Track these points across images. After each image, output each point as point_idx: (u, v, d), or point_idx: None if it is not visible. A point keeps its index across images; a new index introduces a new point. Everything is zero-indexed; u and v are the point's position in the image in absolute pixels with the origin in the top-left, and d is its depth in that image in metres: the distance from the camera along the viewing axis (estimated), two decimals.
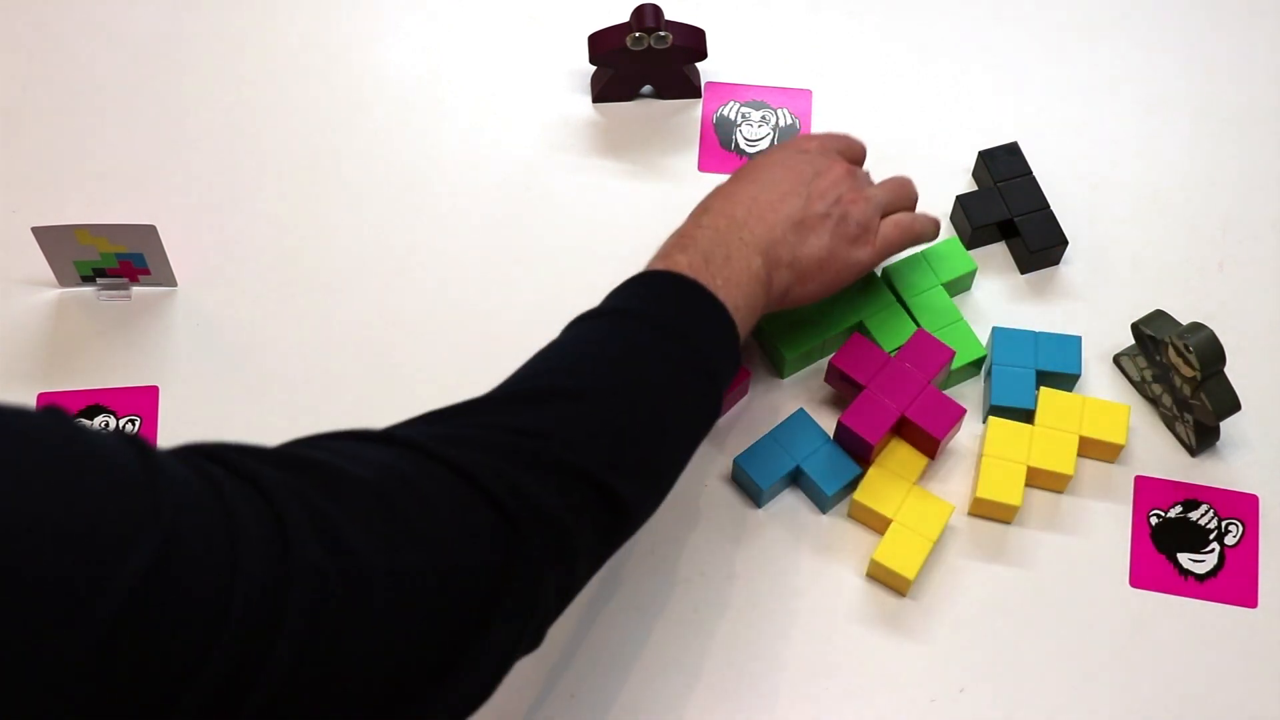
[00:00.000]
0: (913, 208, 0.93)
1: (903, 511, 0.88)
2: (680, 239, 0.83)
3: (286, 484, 0.58)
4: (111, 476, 0.52)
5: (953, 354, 0.92)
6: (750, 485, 0.90)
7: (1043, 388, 0.93)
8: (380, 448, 0.65)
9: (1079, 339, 0.94)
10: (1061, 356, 0.94)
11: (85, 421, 0.53)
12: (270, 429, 0.93)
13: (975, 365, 0.95)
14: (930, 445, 0.90)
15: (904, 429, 0.91)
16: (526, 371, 0.75)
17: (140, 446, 0.55)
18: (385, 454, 0.64)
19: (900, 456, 0.90)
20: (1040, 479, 0.91)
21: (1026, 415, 0.93)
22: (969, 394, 0.95)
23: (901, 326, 0.94)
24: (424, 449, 0.65)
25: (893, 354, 0.92)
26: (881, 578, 0.88)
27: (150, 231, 0.93)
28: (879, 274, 0.96)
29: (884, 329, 0.94)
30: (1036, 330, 0.94)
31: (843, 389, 0.93)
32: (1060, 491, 0.92)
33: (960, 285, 0.97)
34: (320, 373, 0.96)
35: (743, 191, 0.86)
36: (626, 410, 0.72)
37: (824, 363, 0.95)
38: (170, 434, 0.93)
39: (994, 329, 0.95)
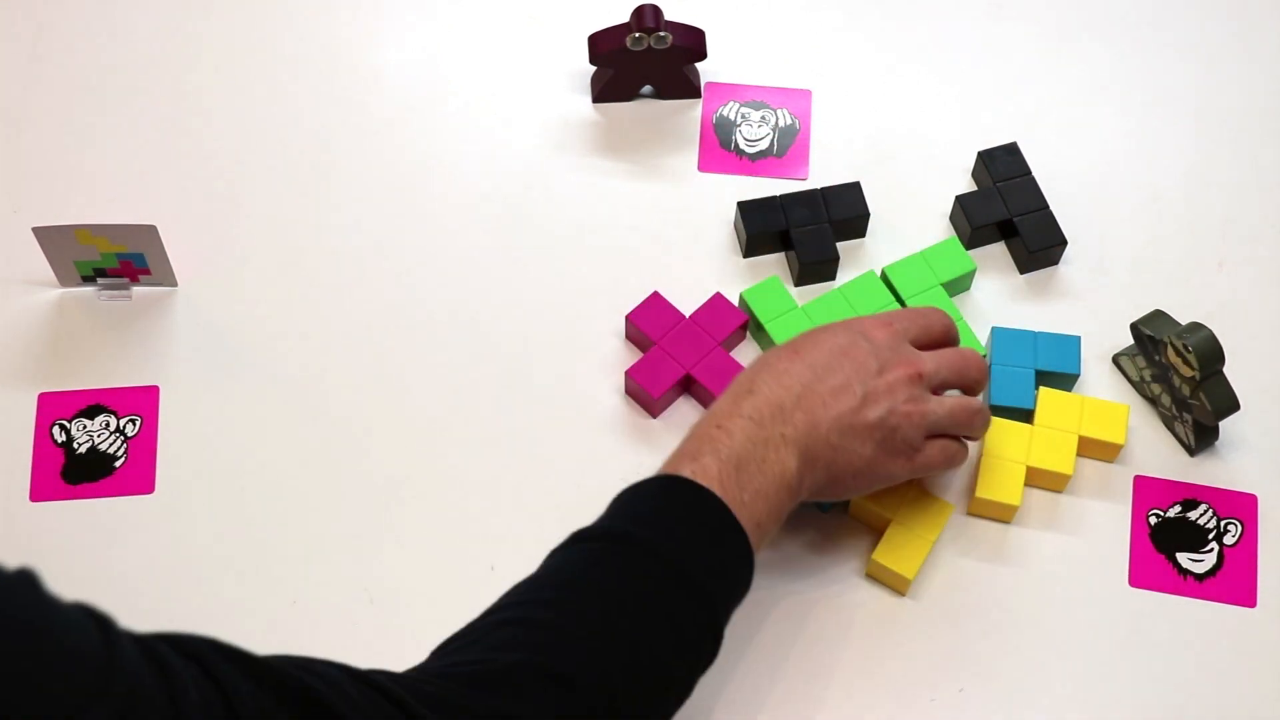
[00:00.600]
0: (974, 388, 0.87)
1: (902, 511, 0.88)
2: (715, 432, 0.77)
3: (259, 706, 0.57)
4: (66, 657, 0.51)
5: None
6: None
7: (1042, 388, 0.93)
8: (374, 695, 0.63)
9: (1078, 339, 0.94)
10: (1061, 356, 0.94)
11: (53, 594, 0.53)
12: (270, 429, 0.94)
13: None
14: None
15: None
16: (514, 622, 0.71)
17: (105, 629, 0.54)
18: (375, 704, 0.63)
19: None
20: (1039, 479, 0.91)
21: (1026, 415, 0.93)
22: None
23: None
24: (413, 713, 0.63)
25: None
26: (881, 577, 0.88)
27: (150, 231, 0.93)
28: (878, 274, 0.96)
29: None
30: (1035, 330, 0.94)
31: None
32: (1059, 491, 0.92)
33: (960, 285, 0.97)
34: (320, 373, 0.96)
35: (795, 372, 0.80)
36: (620, 692, 0.69)
37: None
38: (170, 434, 0.94)
39: (993, 329, 0.95)
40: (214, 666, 0.57)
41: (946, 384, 0.85)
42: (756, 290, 0.95)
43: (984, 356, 0.88)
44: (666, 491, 0.76)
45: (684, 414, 0.94)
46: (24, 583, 0.52)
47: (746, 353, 0.95)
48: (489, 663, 0.68)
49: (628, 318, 0.94)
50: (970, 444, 0.92)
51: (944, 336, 0.86)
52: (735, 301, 0.96)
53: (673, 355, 0.93)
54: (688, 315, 0.95)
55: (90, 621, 0.54)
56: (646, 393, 0.91)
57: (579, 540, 0.75)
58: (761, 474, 0.76)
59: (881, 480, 0.83)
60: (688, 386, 0.94)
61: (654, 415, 0.93)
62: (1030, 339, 0.94)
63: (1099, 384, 0.96)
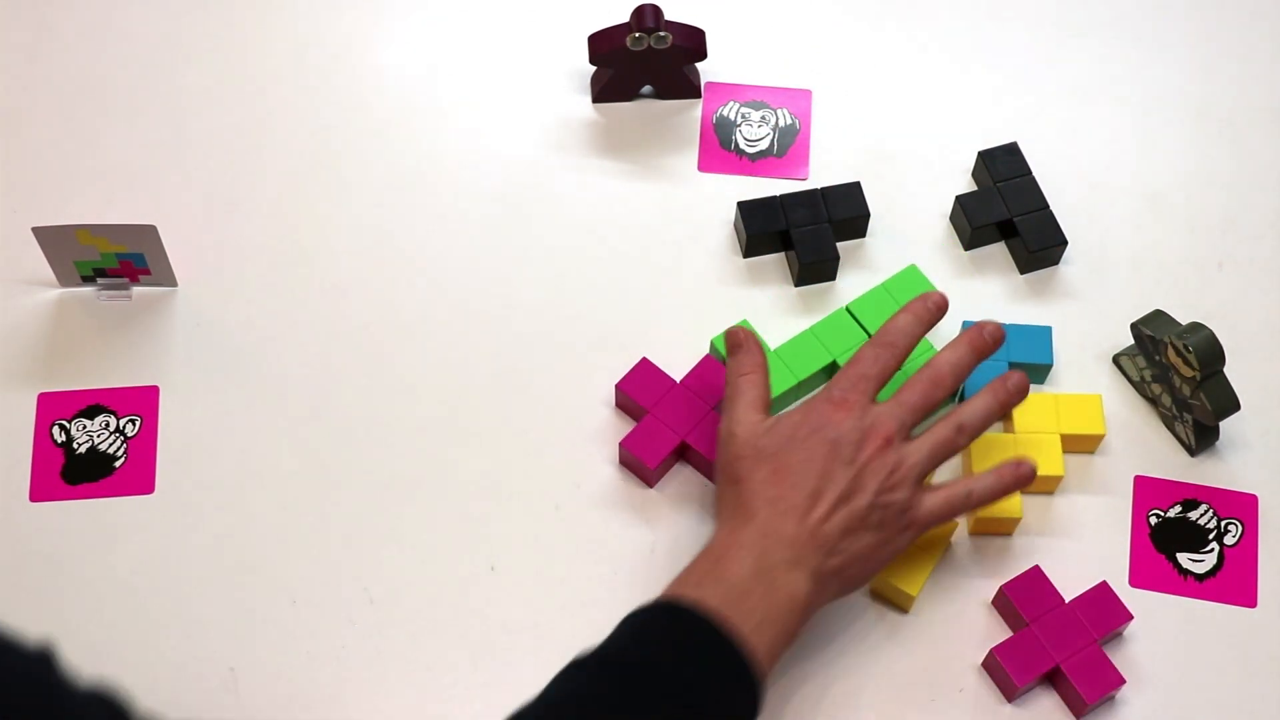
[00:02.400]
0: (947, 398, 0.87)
1: None
2: (715, 566, 0.78)
3: None
4: None
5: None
6: None
7: None
8: None
9: (1049, 329, 0.95)
10: (1033, 347, 0.94)
11: (71, 676, 0.52)
12: (270, 429, 0.94)
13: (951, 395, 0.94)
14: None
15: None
16: None
17: (113, 713, 0.52)
18: None
19: None
20: (1033, 485, 0.91)
21: None
22: None
23: None
24: None
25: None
26: (885, 594, 0.88)
27: (150, 231, 0.93)
28: (846, 311, 0.96)
29: None
30: (1009, 323, 0.94)
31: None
32: (1052, 493, 0.92)
33: None
34: (320, 372, 0.96)
35: (786, 493, 0.80)
36: None
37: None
38: (170, 434, 0.94)
39: (964, 323, 0.95)
40: None
41: (921, 416, 0.85)
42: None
43: (948, 371, 0.86)
44: (671, 621, 0.75)
45: (683, 479, 0.93)
46: (40, 666, 0.51)
47: None
48: None
49: (617, 386, 0.93)
50: (956, 461, 0.92)
51: (897, 364, 0.86)
52: (708, 347, 0.95)
53: (666, 423, 0.91)
54: (678, 379, 0.93)
55: (104, 712, 0.52)
56: (642, 463, 0.90)
57: (579, 668, 0.75)
58: (769, 600, 0.76)
59: (893, 557, 0.83)
60: (683, 454, 0.93)
61: (650, 485, 0.92)
62: None
63: (1100, 384, 0.96)
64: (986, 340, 0.87)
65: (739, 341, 0.88)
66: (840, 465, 0.81)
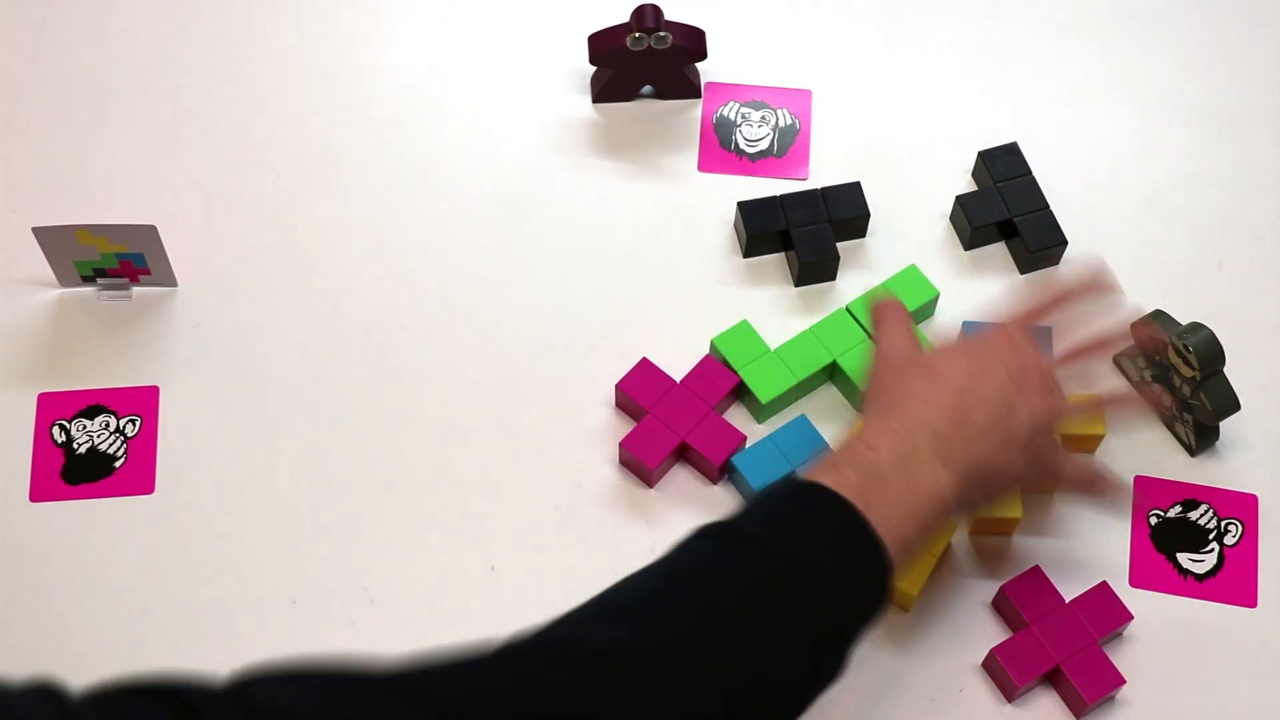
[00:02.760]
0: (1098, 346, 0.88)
1: None
2: (859, 446, 0.75)
3: None
4: None
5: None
6: (745, 487, 0.90)
7: None
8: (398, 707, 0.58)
9: (1049, 329, 0.94)
10: None
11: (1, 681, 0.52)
12: (270, 429, 0.94)
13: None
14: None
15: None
16: (617, 609, 0.67)
17: (58, 704, 0.51)
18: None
19: None
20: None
21: None
22: None
23: None
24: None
25: None
26: None
27: (150, 231, 0.93)
28: (846, 311, 0.96)
29: (858, 366, 0.93)
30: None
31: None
32: (1052, 493, 0.92)
33: (925, 312, 0.97)
34: (320, 372, 0.96)
35: (941, 394, 0.77)
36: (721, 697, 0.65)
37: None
38: (170, 434, 0.93)
39: (964, 323, 0.95)
40: (203, 711, 0.54)
41: (1075, 366, 0.86)
42: (727, 336, 0.95)
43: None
44: (801, 498, 0.72)
45: (683, 479, 0.93)
46: None
47: (736, 416, 0.94)
48: (581, 641, 0.64)
49: (617, 386, 0.93)
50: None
51: (1050, 303, 0.86)
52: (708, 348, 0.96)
53: (666, 423, 0.91)
54: (678, 379, 0.93)
55: (41, 702, 0.52)
56: (642, 463, 0.90)
57: (705, 536, 0.71)
58: (908, 488, 0.73)
59: (1035, 487, 0.85)
60: (683, 454, 0.93)
61: (650, 485, 0.92)
62: None
63: (1099, 384, 0.96)
64: (1098, 286, 0.87)
65: (882, 303, 0.86)
66: (1001, 386, 0.78)
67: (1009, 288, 0.99)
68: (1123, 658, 0.86)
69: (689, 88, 1.06)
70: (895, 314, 0.85)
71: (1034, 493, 0.85)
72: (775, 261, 1.00)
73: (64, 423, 0.94)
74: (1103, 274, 0.87)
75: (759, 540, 0.69)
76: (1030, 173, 1.00)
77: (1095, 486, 0.84)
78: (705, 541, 0.70)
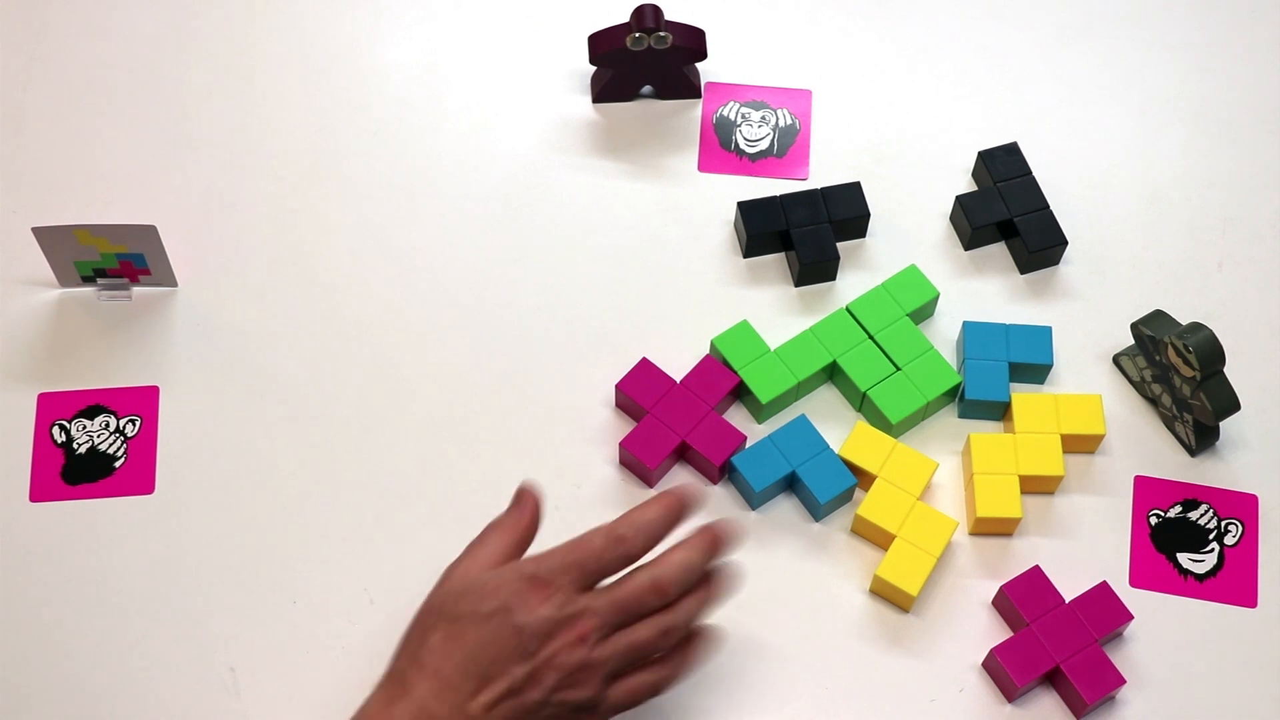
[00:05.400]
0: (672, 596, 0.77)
1: (906, 527, 0.88)
2: None
3: None
4: None
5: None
6: (744, 487, 0.90)
7: (1014, 393, 0.93)
8: None
9: (1049, 329, 0.95)
10: (1033, 347, 0.94)
11: None
12: (270, 429, 0.94)
13: (950, 394, 0.94)
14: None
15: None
16: None
17: None
18: None
19: (903, 473, 0.90)
20: (1033, 485, 0.91)
21: (1001, 409, 0.93)
22: (943, 421, 0.95)
23: (875, 362, 0.94)
24: None
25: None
26: (885, 594, 0.88)
27: (150, 231, 0.93)
28: (846, 311, 0.96)
29: (857, 366, 0.94)
30: (1008, 323, 0.95)
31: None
32: (1052, 493, 0.92)
33: (924, 313, 0.97)
34: (320, 373, 0.96)
35: (448, 669, 0.73)
36: None
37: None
38: (170, 434, 0.93)
39: (964, 323, 0.95)
40: None
41: (630, 620, 0.76)
42: (727, 336, 0.95)
43: (679, 566, 0.76)
44: None
45: (683, 479, 0.92)
46: None
47: (736, 416, 0.94)
48: None
49: (617, 386, 0.93)
50: (953, 460, 0.91)
51: (624, 564, 0.76)
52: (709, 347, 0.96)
53: (666, 423, 0.91)
54: (678, 379, 0.93)
55: None
56: (642, 463, 0.90)
57: None
58: None
59: None
60: (683, 454, 0.93)
61: (650, 485, 0.92)
62: (1002, 331, 0.94)
63: (1100, 384, 0.96)
64: (721, 543, 0.77)
65: (519, 495, 0.81)
66: (519, 656, 0.73)
67: (1008, 288, 0.99)
68: (1123, 658, 0.86)
69: (689, 88, 1.06)
70: (508, 521, 0.79)
71: None
72: (775, 261, 1.00)
73: (64, 423, 0.94)
74: (685, 496, 0.78)
75: None
76: (1030, 173, 1.01)
77: (654, 691, 0.77)
78: None
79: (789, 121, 1.06)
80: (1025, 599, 0.86)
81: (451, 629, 0.75)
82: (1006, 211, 0.99)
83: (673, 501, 0.77)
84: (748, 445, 0.92)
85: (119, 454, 0.93)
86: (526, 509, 0.80)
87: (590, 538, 0.76)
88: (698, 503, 0.79)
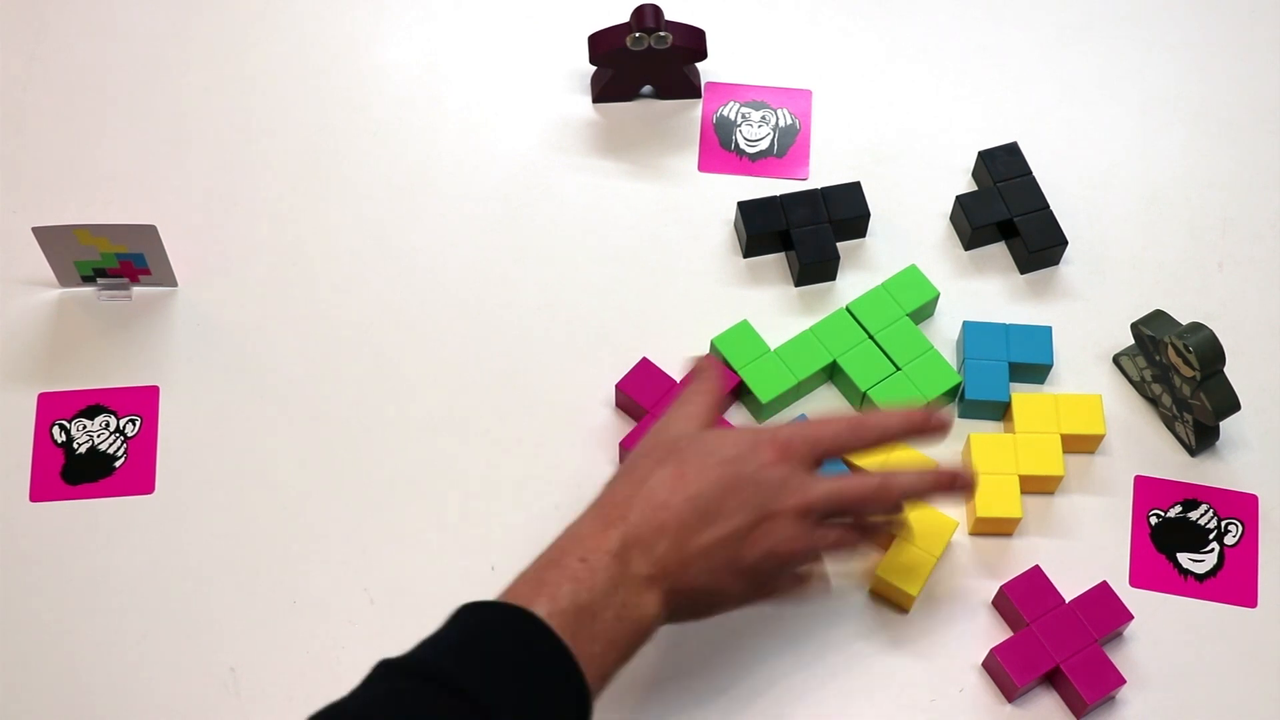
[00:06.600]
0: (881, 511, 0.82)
1: (906, 528, 0.88)
2: (577, 565, 0.72)
3: None
4: None
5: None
6: None
7: (1014, 393, 0.93)
8: None
9: (1049, 329, 0.95)
10: (1033, 347, 0.94)
11: None
12: (270, 429, 0.94)
13: (950, 394, 0.94)
14: None
15: None
16: None
17: None
18: None
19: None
20: (1033, 485, 0.91)
21: (1001, 409, 0.93)
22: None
23: (875, 362, 0.94)
24: None
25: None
26: (885, 594, 0.88)
27: (150, 231, 0.93)
28: (846, 311, 0.96)
29: (857, 366, 0.94)
30: (1008, 323, 0.95)
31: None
32: (1052, 493, 0.92)
33: (924, 313, 0.97)
34: (320, 372, 0.96)
35: (673, 505, 0.74)
36: None
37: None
38: (170, 434, 0.93)
39: (965, 323, 0.95)
40: None
41: (841, 513, 0.79)
42: (727, 336, 0.95)
43: (899, 483, 0.79)
44: (511, 631, 0.69)
45: None
46: None
47: (736, 416, 0.94)
48: None
49: (617, 386, 0.93)
50: (953, 461, 0.92)
51: (860, 449, 0.81)
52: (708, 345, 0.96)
53: None
54: (678, 379, 0.93)
55: None
56: None
57: (389, 674, 0.68)
58: (618, 622, 0.71)
59: (747, 605, 0.78)
60: None
61: None
62: (1002, 331, 0.94)
63: (1100, 384, 0.96)
64: (951, 488, 0.80)
65: (703, 367, 0.84)
66: (749, 507, 0.75)
67: (1008, 288, 0.99)
68: (1123, 658, 0.87)
69: (689, 88, 1.06)
70: (703, 386, 0.82)
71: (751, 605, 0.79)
72: (775, 261, 1.00)
73: (64, 423, 0.94)
74: (931, 419, 0.81)
75: (442, 679, 0.66)
76: (1030, 173, 1.01)
77: (807, 587, 0.81)
78: (390, 688, 0.67)
79: (789, 121, 1.06)
80: (1025, 599, 0.86)
81: (681, 468, 0.75)
82: (1006, 211, 0.99)
83: (917, 417, 0.80)
84: None
85: (119, 454, 0.93)
86: (715, 376, 0.83)
87: (831, 420, 0.80)
88: (942, 431, 0.81)
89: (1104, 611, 0.86)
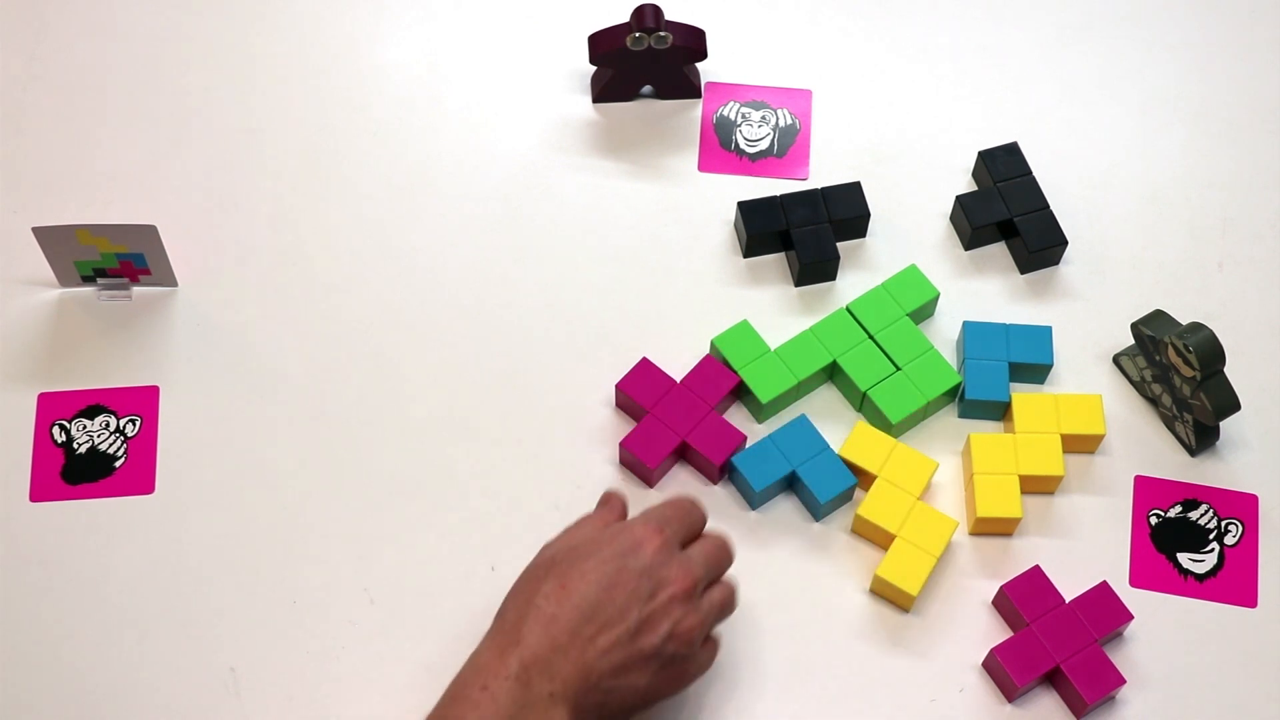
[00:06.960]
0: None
1: (906, 527, 0.88)
2: (479, 695, 0.72)
3: None
4: None
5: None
6: (744, 486, 0.90)
7: (1014, 393, 0.93)
8: None
9: (1049, 329, 0.95)
10: (1033, 347, 0.94)
11: None
12: (270, 429, 0.94)
13: (950, 394, 0.94)
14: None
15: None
16: None
17: None
18: None
19: (903, 473, 0.90)
20: (1033, 485, 0.91)
21: (1001, 409, 0.93)
22: (943, 422, 0.95)
23: (875, 363, 0.94)
24: None
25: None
26: (885, 593, 0.88)
27: (150, 231, 0.93)
28: (846, 311, 0.96)
29: (858, 366, 0.94)
30: (1008, 323, 0.95)
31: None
32: (1052, 493, 0.92)
33: (924, 313, 0.97)
34: (320, 373, 0.96)
35: (564, 618, 0.74)
36: None
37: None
38: (170, 434, 0.93)
39: (965, 323, 0.95)
40: None
41: (710, 581, 0.80)
42: (727, 336, 0.95)
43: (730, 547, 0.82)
44: None
45: (683, 479, 0.93)
46: None
47: (736, 416, 0.94)
48: None
49: (617, 386, 0.93)
50: (954, 460, 0.92)
51: (702, 522, 0.83)
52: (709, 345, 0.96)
53: (666, 423, 0.91)
54: (678, 379, 0.93)
55: None
56: (642, 463, 0.90)
57: None
58: None
59: (655, 703, 0.78)
60: (683, 454, 0.93)
61: (650, 485, 0.92)
62: (1002, 331, 0.94)
63: (1100, 384, 0.96)
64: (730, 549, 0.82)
65: (607, 498, 0.85)
66: (636, 599, 0.75)
67: (1008, 288, 0.99)
68: (1123, 658, 0.87)
69: (689, 88, 1.06)
70: (598, 512, 0.83)
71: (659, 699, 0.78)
72: (775, 261, 1.00)
73: (64, 423, 0.94)
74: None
75: None
76: (1030, 173, 1.01)
77: (717, 650, 0.81)
78: None
79: (789, 121, 1.06)
80: (1025, 599, 0.86)
81: (563, 579, 0.76)
82: (1006, 211, 0.99)
83: (698, 505, 0.83)
84: (748, 445, 0.92)
85: (119, 454, 0.93)
86: (616, 506, 0.84)
87: (679, 499, 0.82)
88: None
89: (1104, 611, 0.86)
